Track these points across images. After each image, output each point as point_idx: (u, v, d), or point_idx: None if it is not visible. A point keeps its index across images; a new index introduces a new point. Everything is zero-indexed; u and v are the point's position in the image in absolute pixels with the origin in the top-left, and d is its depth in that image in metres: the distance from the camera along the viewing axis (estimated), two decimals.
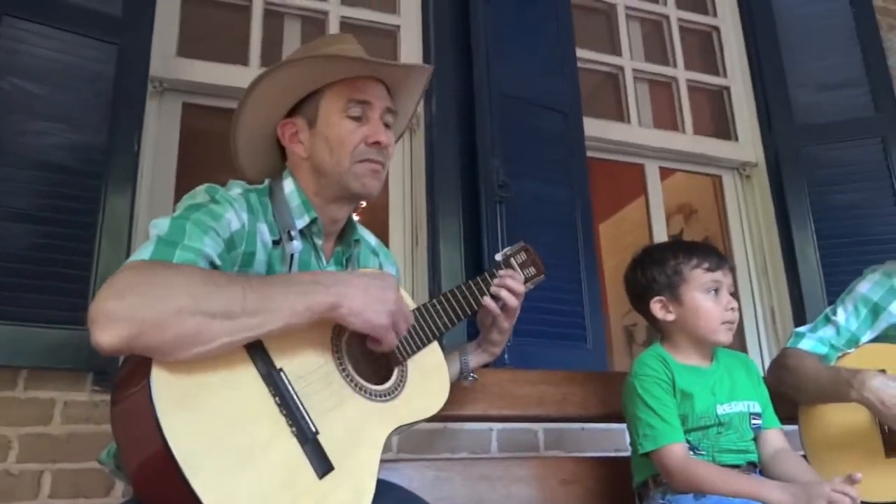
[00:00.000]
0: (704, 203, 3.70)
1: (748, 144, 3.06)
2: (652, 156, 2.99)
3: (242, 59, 2.43)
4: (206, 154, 2.77)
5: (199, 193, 1.23)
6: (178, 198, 2.22)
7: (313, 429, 1.07)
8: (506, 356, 2.15)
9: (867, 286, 1.80)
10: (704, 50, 3.27)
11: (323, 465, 1.06)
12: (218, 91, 2.36)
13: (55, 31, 2.00)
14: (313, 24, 2.63)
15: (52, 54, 1.98)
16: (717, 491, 1.39)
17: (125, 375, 1.01)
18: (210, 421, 0.98)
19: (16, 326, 1.79)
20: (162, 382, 0.96)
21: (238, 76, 2.34)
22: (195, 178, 2.42)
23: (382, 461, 1.17)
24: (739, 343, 2.87)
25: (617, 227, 4.77)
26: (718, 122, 3.18)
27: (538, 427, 2.26)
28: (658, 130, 3.02)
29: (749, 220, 3.03)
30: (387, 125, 1.34)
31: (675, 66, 3.13)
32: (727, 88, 3.16)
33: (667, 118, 3.10)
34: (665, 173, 3.19)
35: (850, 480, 1.30)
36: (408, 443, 2.08)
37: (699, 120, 3.10)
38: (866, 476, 1.52)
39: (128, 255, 1.95)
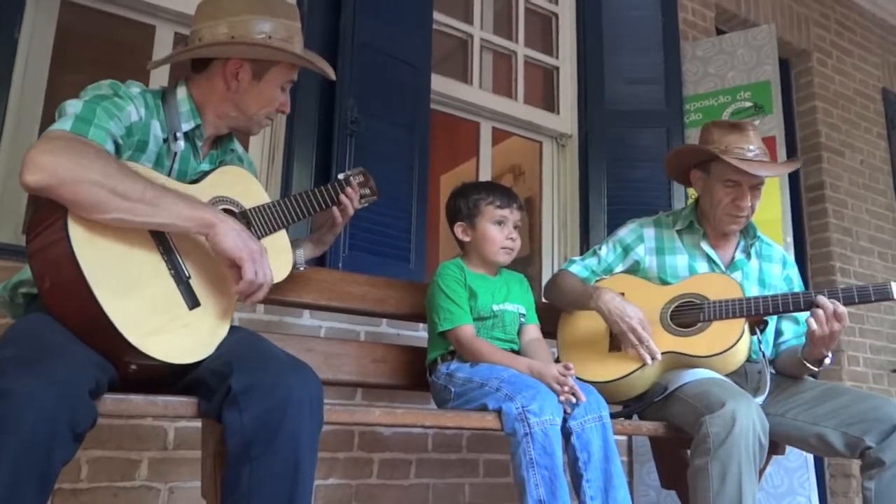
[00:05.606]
0: (531, 166, 4.27)
1: (567, 119, 3.62)
2: (487, 117, 3.45)
3: None
4: (79, 51, 2.90)
5: (104, 86, 1.50)
6: (49, 88, 2.40)
7: (187, 273, 1.42)
8: (340, 265, 2.56)
9: (624, 231, 2.36)
10: (544, 32, 3.77)
11: (192, 301, 1.41)
12: None
13: None
14: None
15: None
16: (489, 360, 1.88)
17: (43, 216, 1.31)
18: (109, 255, 1.31)
19: None
20: (76, 224, 1.28)
21: None
22: (66, 72, 2.57)
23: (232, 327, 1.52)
24: (539, 276, 3.47)
25: (456, 180, 5.25)
26: (546, 97, 3.71)
27: (360, 329, 2.68)
28: (495, 95, 3.49)
29: (559, 182, 3.60)
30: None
31: (517, 42, 3.61)
32: (557, 68, 3.69)
33: (504, 87, 3.58)
34: (501, 137, 3.69)
35: (566, 367, 1.81)
36: (249, 328, 2.43)
37: (530, 92, 3.61)
38: (593, 364, 2.10)
39: None
